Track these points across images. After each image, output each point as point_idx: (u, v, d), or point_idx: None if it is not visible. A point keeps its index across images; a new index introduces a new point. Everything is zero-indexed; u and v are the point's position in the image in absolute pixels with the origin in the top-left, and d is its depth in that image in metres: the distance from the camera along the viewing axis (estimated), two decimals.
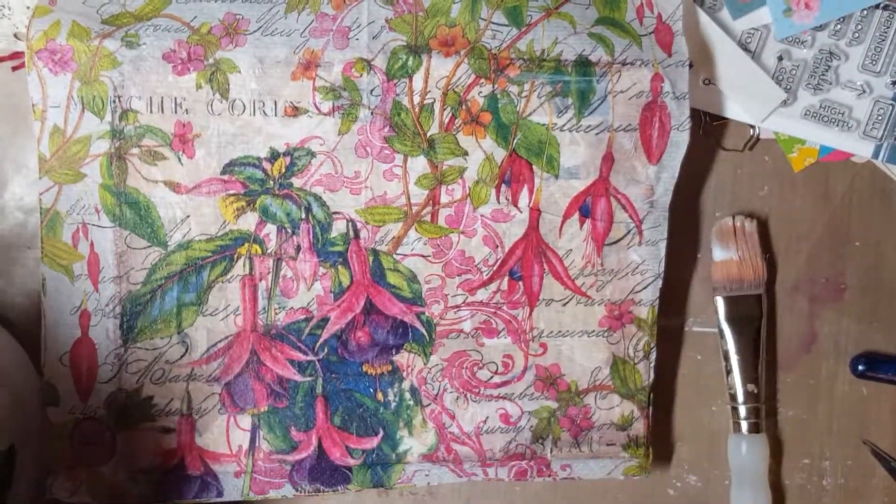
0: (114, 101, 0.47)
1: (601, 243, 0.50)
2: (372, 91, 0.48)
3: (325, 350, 0.49)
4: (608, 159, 0.50)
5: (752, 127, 0.53)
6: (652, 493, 0.55)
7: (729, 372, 0.53)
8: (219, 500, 0.50)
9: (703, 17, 0.51)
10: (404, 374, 0.50)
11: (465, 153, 0.49)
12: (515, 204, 0.50)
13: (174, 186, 0.48)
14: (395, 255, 0.50)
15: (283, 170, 0.49)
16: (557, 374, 0.51)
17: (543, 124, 0.49)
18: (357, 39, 0.48)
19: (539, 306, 0.51)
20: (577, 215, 0.50)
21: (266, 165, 0.49)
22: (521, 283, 0.50)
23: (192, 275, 0.49)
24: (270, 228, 0.49)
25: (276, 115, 0.48)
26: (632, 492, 0.55)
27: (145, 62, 0.47)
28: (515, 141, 0.49)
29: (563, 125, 0.50)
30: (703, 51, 0.52)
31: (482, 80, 0.49)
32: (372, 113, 0.49)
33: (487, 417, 0.51)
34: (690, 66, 0.50)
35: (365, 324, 0.49)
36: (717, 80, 0.52)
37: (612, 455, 0.52)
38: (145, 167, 0.48)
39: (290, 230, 0.49)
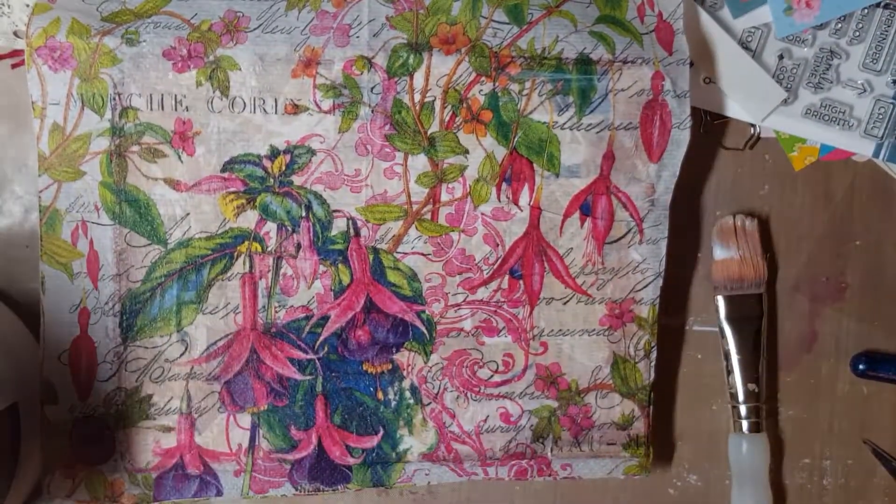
0: (114, 99, 0.47)
1: (602, 242, 0.50)
2: (372, 89, 0.48)
3: (325, 348, 0.49)
4: (609, 157, 0.50)
5: (753, 126, 0.53)
6: (652, 492, 0.55)
7: (729, 371, 0.53)
8: (218, 498, 0.50)
9: (704, 16, 0.51)
10: (404, 372, 0.50)
11: (466, 151, 0.49)
12: (516, 202, 0.50)
13: (174, 184, 0.48)
14: (395, 254, 0.49)
15: (284, 167, 0.49)
16: (558, 372, 0.51)
17: (544, 122, 0.49)
18: (358, 37, 0.48)
19: (539, 305, 0.51)
20: (577, 214, 0.50)
21: (266, 163, 0.48)
22: (521, 281, 0.50)
23: (191, 273, 0.49)
24: (271, 226, 0.49)
25: (276, 112, 0.48)
26: (632, 491, 0.55)
27: (145, 59, 0.47)
28: (516, 139, 0.49)
29: (564, 123, 0.49)
30: (704, 49, 0.52)
31: (483, 78, 0.49)
32: (372, 111, 0.49)
33: (488, 416, 0.51)
34: (691, 64, 0.50)
35: (365, 322, 0.49)
36: (718, 79, 0.52)
37: (612, 454, 0.51)
38: (145, 165, 0.48)
39: (290, 228, 0.49)
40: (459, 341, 0.50)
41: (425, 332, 0.50)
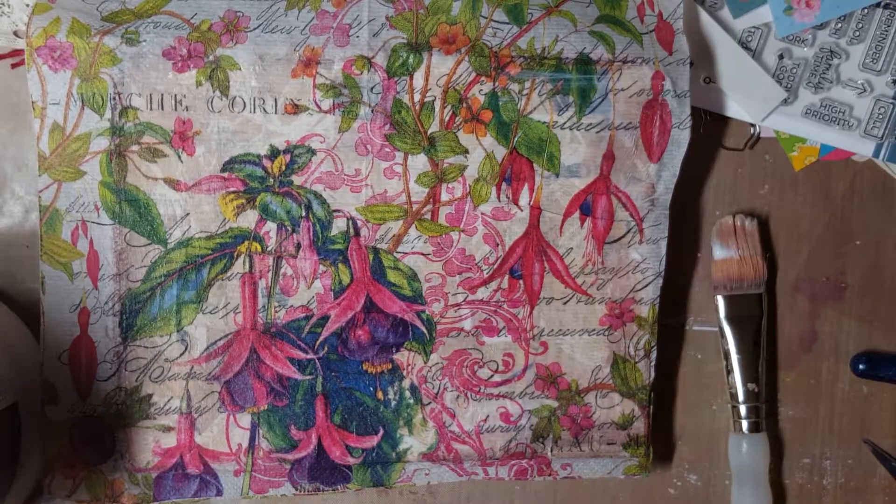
0: (114, 98, 0.47)
1: (602, 242, 0.50)
2: (372, 89, 0.48)
3: (325, 348, 0.49)
4: (609, 157, 0.50)
5: (753, 126, 0.53)
6: (652, 492, 0.55)
7: (729, 371, 0.53)
8: (218, 498, 0.50)
9: (704, 16, 0.51)
10: (404, 372, 0.50)
11: (466, 151, 0.49)
12: (516, 202, 0.50)
13: (174, 184, 0.48)
14: (395, 254, 0.49)
15: (283, 167, 0.49)
16: (558, 372, 0.51)
17: (544, 122, 0.49)
18: (357, 37, 0.48)
19: (539, 305, 0.51)
20: (577, 213, 0.50)
21: (266, 163, 0.48)
22: (521, 281, 0.50)
23: (191, 272, 0.49)
24: (270, 226, 0.49)
25: (276, 112, 0.48)
26: (632, 491, 0.55)
27: (145, 59, 0.47)
28: (516, 139, 0.49)
29: (564, 123, 0.49)
30: (704, 49, 0.52)
31: (483, 78, 0.49)
32: (372, 110, 0.49)
33: (488, 416, 0.51)
34: (691, 64, 0.50)
35: (365, 322, 0.49)
36: (718, 79, 0.52)
37: (612, 454, 0.51)
38: (145, 164, 0.48)
39: (290, 228, 0.49)
40: (459, 341, 0.50)
41: (425, 331, 0.50)
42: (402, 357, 0.50)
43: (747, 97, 0.52)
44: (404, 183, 0.49)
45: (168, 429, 0.49)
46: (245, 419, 0.49)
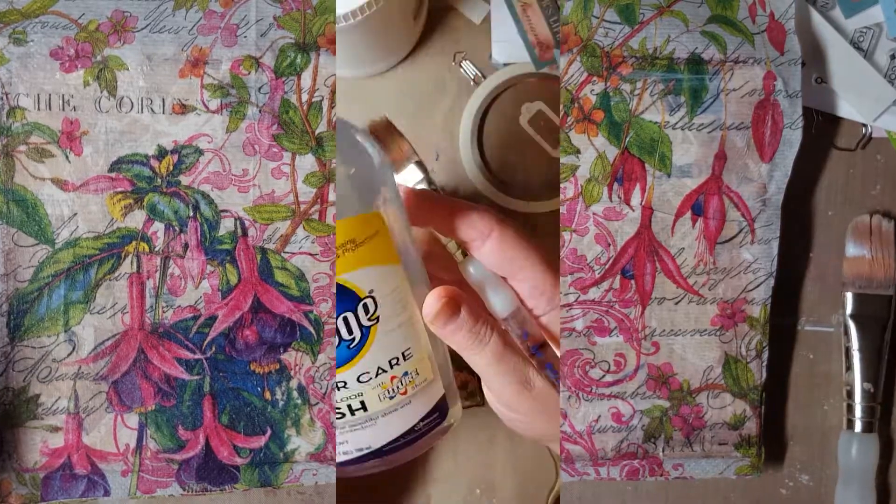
0: (1, 98, 0.47)
1: (713, 242, 0.50)
2: (260, 89, 0.48)
3: (213, 348, 0.49)
4: (721, 157, 0.50)
5: (865, 126, 0.54)
6: (764, 492, 0.55)
7: (848, 368, 0.53)
8: (106, 499, 0.49)
9: (816, 16, 0.52)
10: (292, 372, 0.50)
11: (578, 151, 0.49)
12: (628, 202, 0.50)
13: (61, 184, 0.48)
14: (282, 254, 0.49)
15: (171, 167, 0.48)
16: (669, 372, 0.51)
17: (656, 122, 0.49)
18: (245, 37, 0.48)
19: (651, 305, 0.51)
20: (689, 214, 0.50)
21: (154, 163, 0.48)
22: (633, 281, 0.50)
23: (79, 273, 0.48)
24: (158, 226, 0.49)
25: (163, 112, 0.48)
26: (743, 491, 0.55)
27: (33, 59, 0.47)
28: (628, 139, 0.49)
29: (676, 123, 0.50)
30: (816, 49, 0.52)
31: (594, 78, 0.49)
32: (260, 111, 0.49)
33: (599, 416, 0.51)
34: (803, 64, 0.50)
35: (252, 322, 0.49)
36: (830, 79, 0.52)
37: (724, 454, 0.52)
38: (32, 164, 0.48)
39: (177, 228, 0.49)
40: (571, 341, 0.50)
41: (313, 331, 0.50)
42: (289, 357, 0.50)
43: (859, 97, 0.52)
44: (292, 183, 0.49)
45: (56, 429, 0.49)
46: (133, 419, 0.49)
